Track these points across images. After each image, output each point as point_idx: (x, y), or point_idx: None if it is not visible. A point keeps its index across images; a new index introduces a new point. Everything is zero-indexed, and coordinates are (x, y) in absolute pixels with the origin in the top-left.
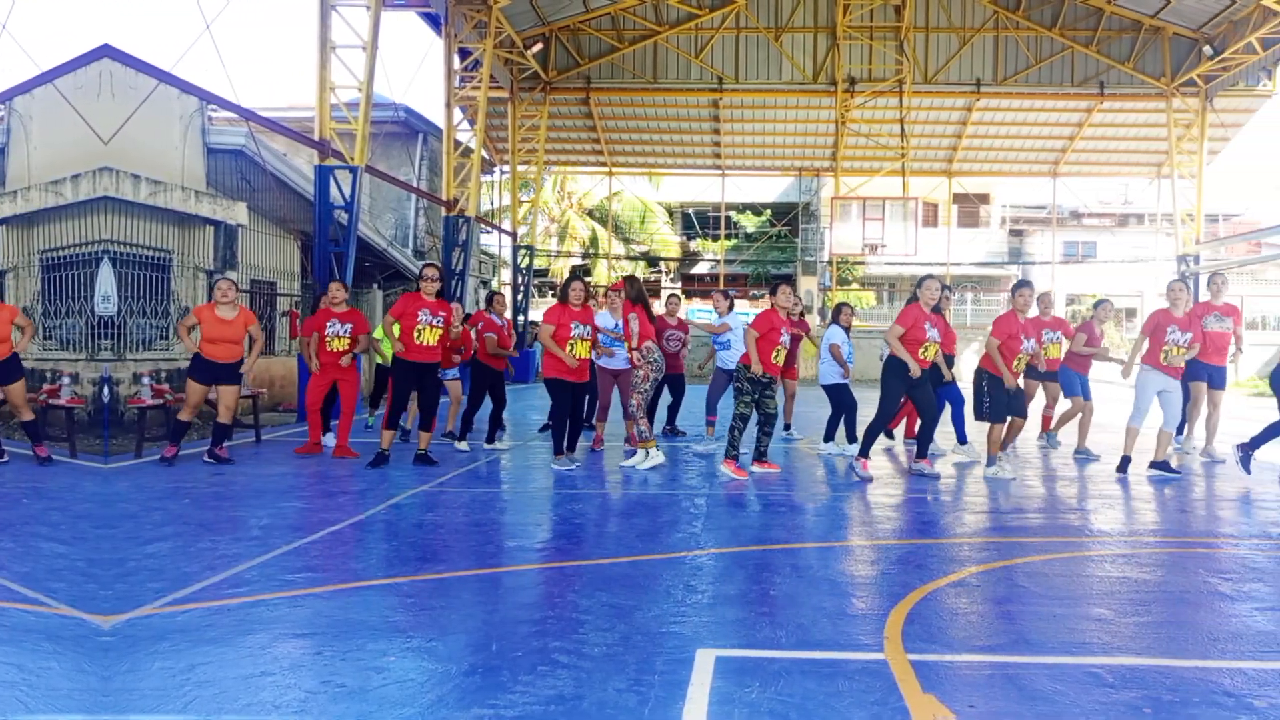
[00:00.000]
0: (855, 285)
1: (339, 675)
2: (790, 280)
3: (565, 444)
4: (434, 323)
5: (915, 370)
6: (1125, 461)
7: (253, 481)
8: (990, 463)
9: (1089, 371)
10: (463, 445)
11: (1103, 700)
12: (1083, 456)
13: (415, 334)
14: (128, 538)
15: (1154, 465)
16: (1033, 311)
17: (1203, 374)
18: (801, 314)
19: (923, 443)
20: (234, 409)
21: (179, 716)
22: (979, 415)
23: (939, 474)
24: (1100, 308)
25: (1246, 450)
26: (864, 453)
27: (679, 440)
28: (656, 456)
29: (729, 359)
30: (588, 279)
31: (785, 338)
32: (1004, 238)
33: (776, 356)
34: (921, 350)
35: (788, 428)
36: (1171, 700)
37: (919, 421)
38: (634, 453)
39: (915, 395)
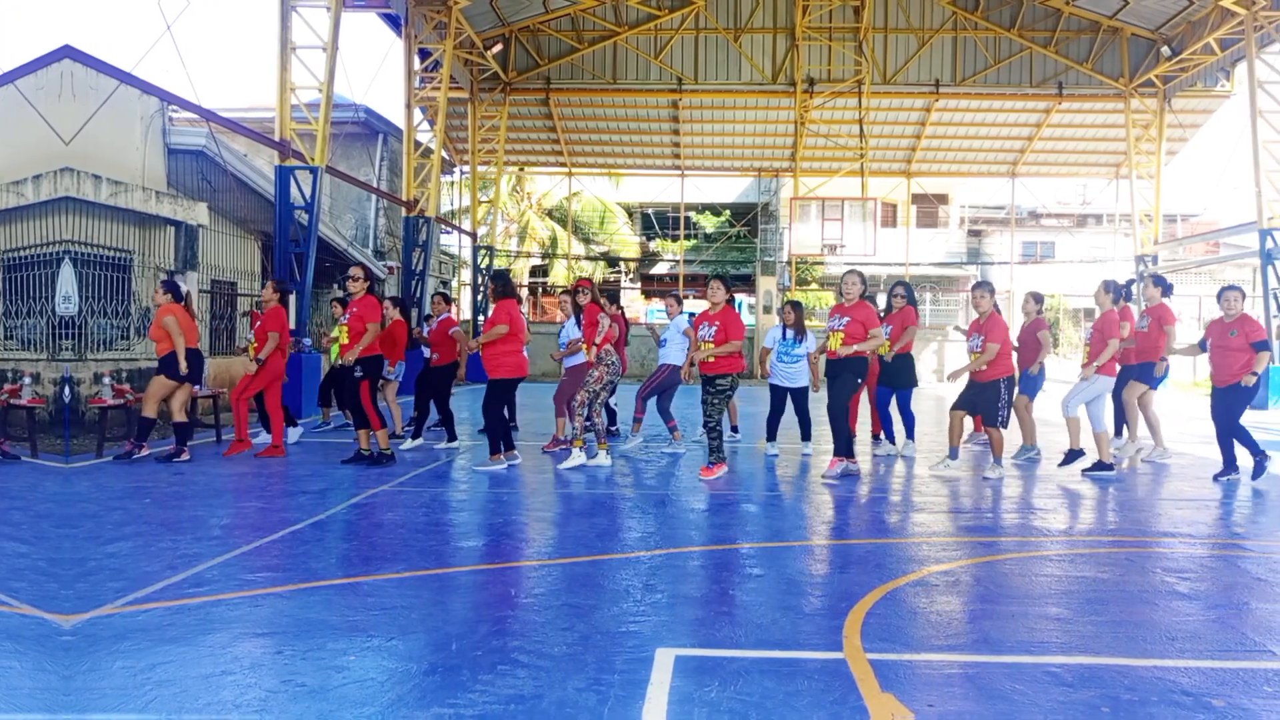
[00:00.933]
0: (814, 285)
1: (299, 674)
2: (719, 275)
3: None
4: (341, 321)
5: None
6: (1100, 465)
7: (213, 481)
8: (999, 462)
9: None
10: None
11: (1061, 699)
12: (1032, 457)
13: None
14: (89, 537)
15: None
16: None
17: (1124, 379)
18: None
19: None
20: (152, 402)
21: (140, 715)
22: (994, 422)
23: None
24: (1024, 300)
25: (1225, 473)
26: (839, 453)
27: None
28: (578, 458)
29: (666, 357)
30: (507, 275)
31: (705, 332)
32: (963, 238)
33: (710, 351)
34: (829, 341)
35: (735, 429)
36: (1130, 699)
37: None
38: (567, 454)
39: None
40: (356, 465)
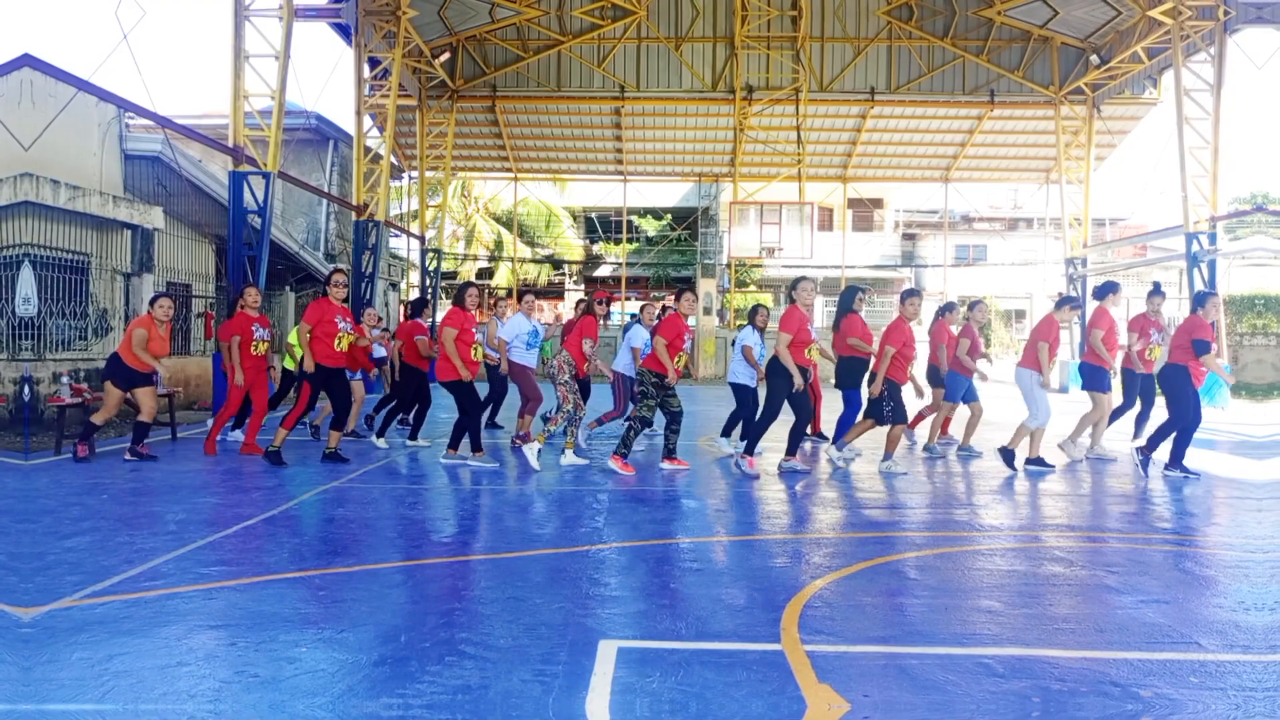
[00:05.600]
0: (753, 287)
1: (252, 665)
2: (692, 286)
3: (476, 442)
4: (348, 329)
5: (799, 382)
6: (1039, 460)
7: (168, 478)
8: (886, 458)
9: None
10: (381, 442)
11: (993, 690)
12: (966, 454)
13: (336, 341)
14: (47, 532)
15: (1029, 461)
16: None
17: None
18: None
19: (793, 440)
20: (155, 408)
21: (97, 705)
22: (881, 420)
23: (809, 470)
24: (975, 309)
25: (1145, 453)
26: (750, 450)
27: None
28: (571, 457)
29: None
30: (484, 284)
31: (687, 343)
32: (897, 241)
33: (679, 361)
34: (807, 350)
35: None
36: (1060, 690)
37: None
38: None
39: (792, 395)
40: (280, 465)
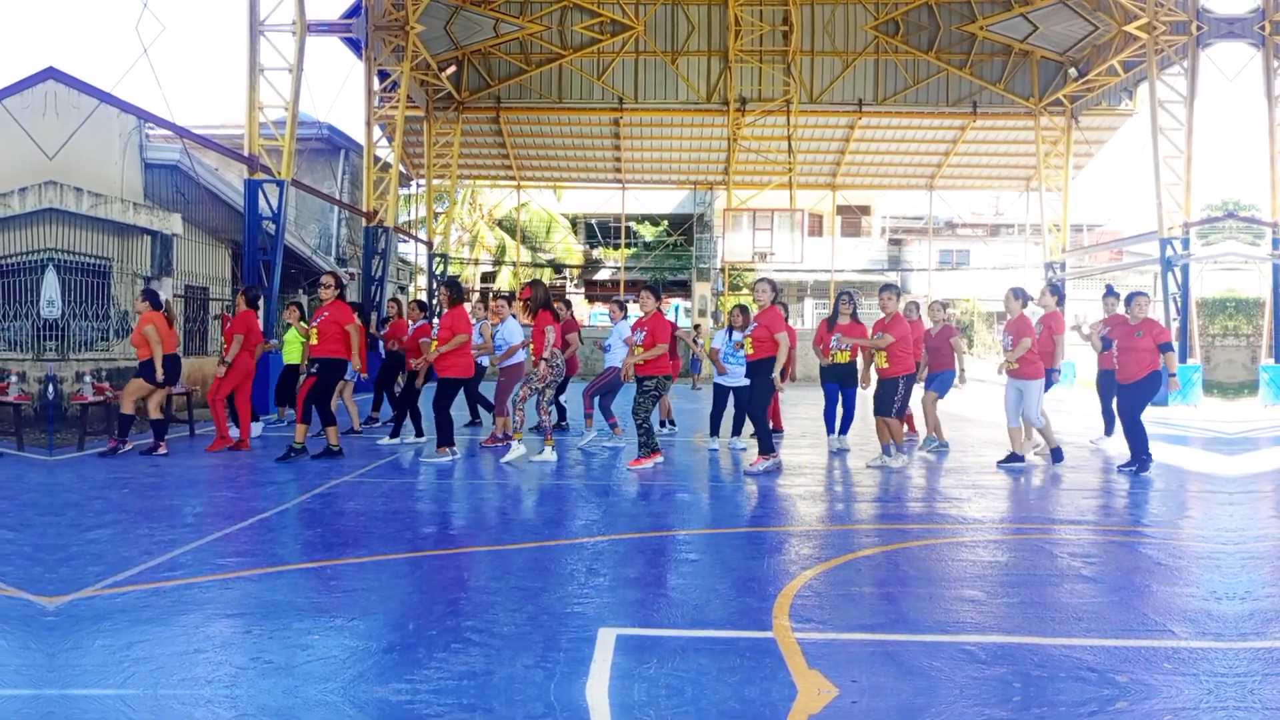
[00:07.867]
0: (746, 290)
1: (267, 652)
2: (651, 285)
3: (448, 437)
4: (313, 324)
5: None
6: (1018, 458)
7: (186, 472)
8: (887, 452)
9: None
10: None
11: (975, 676)
12: (940, 449)
13: (310, 336)
14: (71, 525)
15: (1008, 458)
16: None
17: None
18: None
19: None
20: (129, 400)
21: (119, 690)
22: (888, 413)
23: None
24: (931, 307)
25: (1133, 466)
26: (762, 451)
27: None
28: (518, 450)
29: (611, 359)
30: (458, 281)
31: (636, 337)
32: (884, 246)
33: (655, 352)
34: (744, 346)
35: (672, 422)
36: (1039, 676)
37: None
38: (507, 449)
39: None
40: (323, 459)
